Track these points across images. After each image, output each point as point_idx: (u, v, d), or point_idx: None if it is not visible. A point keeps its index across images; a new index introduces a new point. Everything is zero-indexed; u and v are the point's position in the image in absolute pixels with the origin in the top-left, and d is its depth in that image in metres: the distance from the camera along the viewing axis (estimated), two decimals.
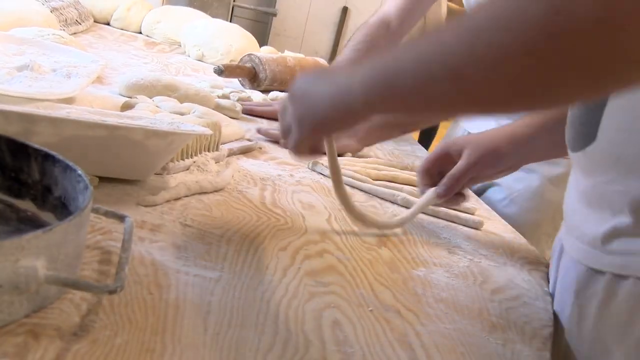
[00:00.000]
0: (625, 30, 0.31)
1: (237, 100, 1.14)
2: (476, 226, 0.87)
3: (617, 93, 0.43)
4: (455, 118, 0.57)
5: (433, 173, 0.79)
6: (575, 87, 0.35)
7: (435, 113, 0.52)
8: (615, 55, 0.32)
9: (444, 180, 0.76)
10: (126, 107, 0.86)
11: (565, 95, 0.37)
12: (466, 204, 0.94)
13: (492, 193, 1.14)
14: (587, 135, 0.58)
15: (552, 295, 0.68)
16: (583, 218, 0.63)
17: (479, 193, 1.14)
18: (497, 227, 0.89)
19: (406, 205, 0.83)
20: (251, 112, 1.13)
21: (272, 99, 1.32)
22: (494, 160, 0.77)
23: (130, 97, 0.93)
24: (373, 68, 0.45)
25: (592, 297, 0.59)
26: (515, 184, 1.10)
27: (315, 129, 0.53)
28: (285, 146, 0.59)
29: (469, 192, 0.85)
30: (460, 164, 0.76)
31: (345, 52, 1.09)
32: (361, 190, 0.85)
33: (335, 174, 0.66)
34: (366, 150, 1.12)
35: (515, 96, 0.37)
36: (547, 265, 0.76)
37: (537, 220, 1.10)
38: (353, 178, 0.88)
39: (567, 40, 0.33)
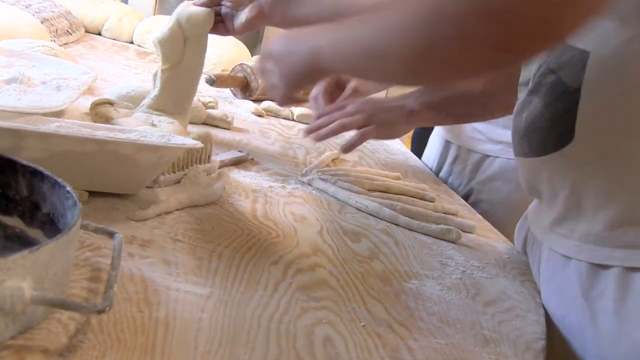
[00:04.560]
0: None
1: None
2: (470, 230, 0.87)
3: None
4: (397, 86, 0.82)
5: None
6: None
7: (384, 80, 0.67)
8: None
9: None
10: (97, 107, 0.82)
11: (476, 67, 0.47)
12: (449, 206, 0.95)
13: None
14: (560, 137, 0.61)
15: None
16: (564, 214, 0.65)
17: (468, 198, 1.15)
18: (489, 236, 0.89)
19: (393, 221, 0.82)
20: None
21: (264, 109, 1.32)
22: None
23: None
24: (339, 37, 0.56)
25: (602, 295, 0.59)
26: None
27: (295, 85, 0.66)
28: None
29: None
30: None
31: None
32: (349, 204, 0.85)
33: None
34: (357, 159, 1.12)
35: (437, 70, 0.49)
36: None
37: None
38: (350, 190, 0.88)
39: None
